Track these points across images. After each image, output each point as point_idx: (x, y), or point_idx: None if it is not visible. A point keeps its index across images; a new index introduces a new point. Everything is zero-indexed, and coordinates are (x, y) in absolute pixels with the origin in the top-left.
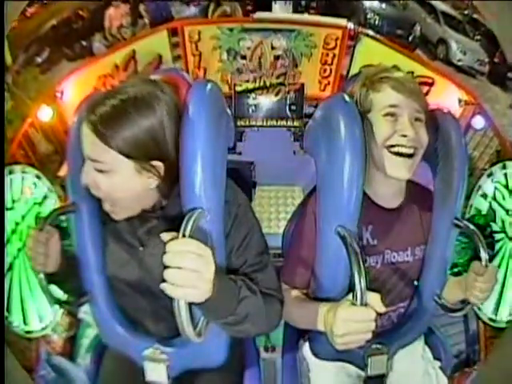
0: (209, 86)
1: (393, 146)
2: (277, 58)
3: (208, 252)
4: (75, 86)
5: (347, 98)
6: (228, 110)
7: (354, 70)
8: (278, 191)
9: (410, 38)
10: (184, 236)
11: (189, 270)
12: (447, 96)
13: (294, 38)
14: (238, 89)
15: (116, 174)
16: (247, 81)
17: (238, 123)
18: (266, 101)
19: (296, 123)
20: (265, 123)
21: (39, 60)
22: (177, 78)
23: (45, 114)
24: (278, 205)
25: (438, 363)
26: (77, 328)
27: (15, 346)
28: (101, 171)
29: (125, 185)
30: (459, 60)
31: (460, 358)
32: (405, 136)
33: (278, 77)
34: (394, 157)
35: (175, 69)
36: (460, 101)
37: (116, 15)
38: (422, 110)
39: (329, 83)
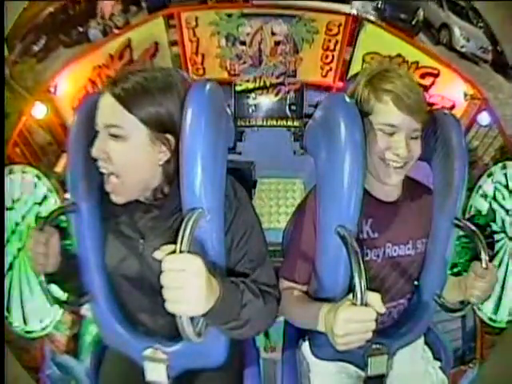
0: (208, 85)
1: (385, 158)
2: (277, 43)
3: (199, 264)
4: (70, 78)
5: (347, 98)
6: (228, 110)
7: (357, 57)
8: (279, 183)
9: (413, 22)
10: (183, 239)
11: (179, 288)
12: (452, 88)
13: (295, 24)
14: (238, 89)
15: (131, 140)
16: (247, 81)
17: (238, 123)
18: (266, 101)
19: (296, 123)
20: (265, 123)
21: (36, 48)
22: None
23: (39, 111)
24: (279, 198)
25: (438, 363)
26: (80, 325)
27: (19, 346)
28: (116, 137)
29: (137, 153)
30: (462, 46)
31: (456, 354)
32: (397, 155)
33: (278, 76)
34: (385, 166)
35: (175, 69)
36: (466, 95)
37: (108, 2)
38: (421, 124)
39: (331, 69)
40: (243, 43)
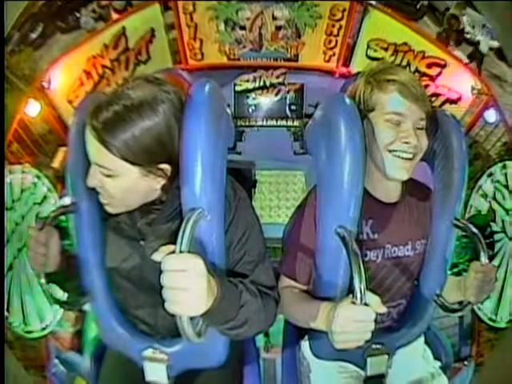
0: (208, 85)
1: (394, 150)
2: (278, 28)
3: (200, 265)
4: (64, 70)
5: (347, 98)
6: (228, 110)
7: (361, 43)
8: (279, 176)
9: (418, 6)
10: (182, 239)
11: (180, 289)
12: (460, 81)
13: (298, 9)
14: (238, 89)
15: (122, 178)
16: (247, 81)
17: (238, 123)
18: (266, 101)
19: (296, 123)
20: (265, 123)
21: (33, 36)
22: (177, 78)
23: (33, 109)
24: (279, 191)
25: (438, 363)
26: (83, 321)
27: (24, 345)
28: (107, 175)
29: (130, 187)
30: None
31: (452, 350)
32: (407, 143)
33: (278, 76)
34: (395, 159)
35: (175, 68)
36: (473, 88)
37: None
38: (425, 115)
39: (334, 54)
40: (243, 28)
